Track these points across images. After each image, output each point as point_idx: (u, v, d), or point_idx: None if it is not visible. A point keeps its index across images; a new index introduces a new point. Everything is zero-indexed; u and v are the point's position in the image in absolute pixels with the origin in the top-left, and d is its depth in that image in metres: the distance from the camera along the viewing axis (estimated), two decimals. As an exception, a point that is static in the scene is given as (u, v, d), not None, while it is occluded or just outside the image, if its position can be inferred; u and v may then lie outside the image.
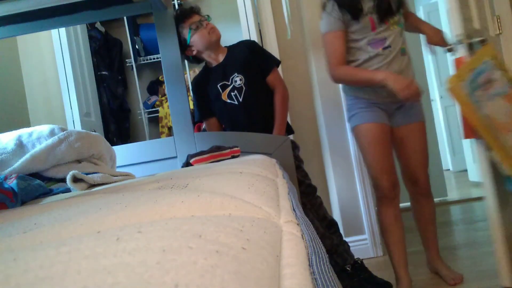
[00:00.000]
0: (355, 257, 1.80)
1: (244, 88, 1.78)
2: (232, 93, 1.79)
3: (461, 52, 1.68)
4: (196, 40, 1.79)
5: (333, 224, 1.83)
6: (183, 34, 1.78)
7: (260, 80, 1.83)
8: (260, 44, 2.48)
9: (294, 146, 1.85)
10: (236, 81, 1.78)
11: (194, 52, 1.82)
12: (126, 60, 3.09)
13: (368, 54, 1.69)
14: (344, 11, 1.70)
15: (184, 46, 1.80)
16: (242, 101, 1.78)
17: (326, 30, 1.78)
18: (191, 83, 1.98)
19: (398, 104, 1.70)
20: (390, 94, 1.63)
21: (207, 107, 1.88)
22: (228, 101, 1.79)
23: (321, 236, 1.67)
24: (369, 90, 1.71)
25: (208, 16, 1.85)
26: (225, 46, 1.88)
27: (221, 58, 1.83)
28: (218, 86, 1.80)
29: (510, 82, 1.62)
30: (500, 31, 2.20)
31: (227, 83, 1.80)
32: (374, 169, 1.72)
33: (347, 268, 1.73)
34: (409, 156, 1.76)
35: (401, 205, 1.79)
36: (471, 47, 1.71)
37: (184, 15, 1.79)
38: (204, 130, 2.17)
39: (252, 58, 1.82)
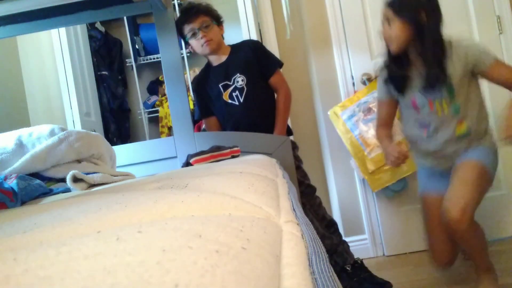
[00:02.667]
0: (355, 257, 1.80)
1: (245, 88, 1.78)
2: (233, 94, 1.79)
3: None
4: (192, 45, 1.80)
5: (333, 224, 1.83)
6: (182, 34, 1.79)
7: (261, 81, 1.82)
8: (261, 44, 2.48)
9: (294, 146, 1.85)
10: (238, 82, 1.78)
11: (193, 51, 1.84)
12: (126, 60, 3.09)
13: (416, 134, 1.69)
14: (389, 84, 1.70)
15: (185, 44, 1.83)
16: (243, 102, 1.77)
17: (377, 96, 1.85)
18: (192, 82, 1.99)
19: (457, 155, 1.62)
20: (447, 160, 1.63)
21: (207, 106, 1.88)
22: (229, 101, 1.79)
23: (321, 236, 1.67)
24: (428, 158, 1.69)
25: (217, 18, 1.81)
26: (229, 45, 1.87)
27: (223, 58, 1.82)
28: (220, 86, 1.80)
29: None
30: (500, 31, 2.20)
31: (229, 83, 1.79)
32: (429, 239, 1.71)
33: (347, 268, 1.73)
34: (452, 186, 1.55)
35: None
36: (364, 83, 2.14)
37: (187, 16, 1.77)
38: (204, 130, 2.17)
39: (255, 59, 1.81)
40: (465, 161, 1.57)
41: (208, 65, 1.87)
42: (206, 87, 1.85)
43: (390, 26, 1.59)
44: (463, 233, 1.48)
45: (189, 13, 1.77)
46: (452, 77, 1.56)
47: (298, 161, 1.84)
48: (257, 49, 1.86)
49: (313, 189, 1.84)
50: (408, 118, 1.71)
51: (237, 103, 1.78)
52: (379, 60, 1.79)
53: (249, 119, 1.78)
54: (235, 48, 1.86)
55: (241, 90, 1.78)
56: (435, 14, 1.57)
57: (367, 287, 1.71)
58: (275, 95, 1.86)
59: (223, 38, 1.85)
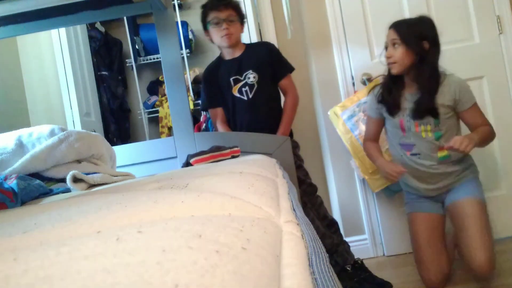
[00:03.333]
0: (355, 257, 1.80)
1: (256, 86, 1.82)
2: (243, 89, 1.82)
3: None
4: (212, 33, 1.82)
5: (334, 223, 1.83)
6: (207, 20, 1.81)
7: (271, 82, 1.88)
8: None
9: (295, 145, 1.86)
10: (249, 78, 1.82)
11: (210, 40, 1.86)
12: (126, 60, 3.09)
13: (399, 153, 1.81)
14: (382, 105, 1.82)
15: (204, 28, 1.85)
16: (252, 98, 1.81)
17: (367, 112, 1.95)
18: (204, 71, 1.99)
19: (447, 189, 1.76)
20: (434, 188, 1.76)
21: (215, 96, 1.89)
22: (237, 95, 1.83)
23: (322, 236, 1.67)
24: (414, 185, 1.81)
25: (242, 17, 1.85)
26: (244, 43, 1.92)
27: (237, 53, 1.86)
28: (231, 79, 1.83)
29: None
30: (500, 31, 2.20)
31: (240, 78, 1.83)
32: (418, 261, 1.78)
33: (347, 268, 1.73)
34: (461, 235, 1.65)
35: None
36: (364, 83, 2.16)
37: (217, 4, 1.79)
38: (204, 130, 2.17)
39: (269, 60, 1.87)
40: (465, 202, 1.68)
41: (220, 57, 1.91)
42: (216, 78, 1.88)
43: (395, 49, 1.70)
44: (490, 275, 1.61)
45: (220, 2, 1.80)
46: (439, 108, 1.68)
47: (299, 160, 1.85)
48: (273, 51, 1.93)
49: (314, 188, 1.85)
50: (394, 137, 1.82)
51: (245, 98, 1.82)
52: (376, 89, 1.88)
53: (254, 115, 1.82)
54: (250, 46, 1.92)
55: (251, 86, 1.82)
56: (436, 47, 1.70)
57: None
58: (282, 99, 1.93)
59: (240, 37, 1.90)
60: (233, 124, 1.87)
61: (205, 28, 1.85)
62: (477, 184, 1.75)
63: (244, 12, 1.89)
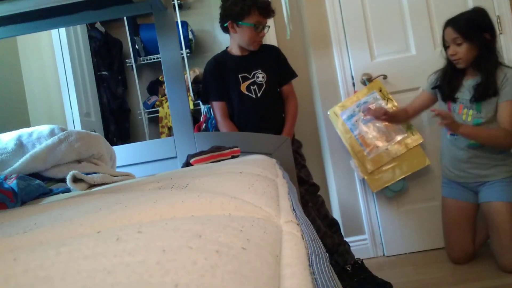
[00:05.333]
0: (356, 257, 1.80)
1: (264, 85, 1.85)
2: (251, 87, 1.84)
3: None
4: (245, 32, 1.80)
5: (334, 223, 1.84)
6: (246, 17, 1.77)
7: (277, 84, 1.92)
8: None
9: (299, 145, 1.88)
10: (258, 77, 1.84)
11: (233, 32, 1.83)
12: (126, 60, 3.09)
13: (444, 132, 1.95)
14: (436, 90, 1.95)
15: (233, 19, 1.80)
16: (260, 97, 1.84)
17: (425, 87, 2.06)
18: (208, 62, 1.94)
19: (479, 180, 1.87)
20: (464, 175, 1.89)
21: (221, 90, 1.87)
22: (246, 92, 1.84)
23: (323, 235, 1.68)
24: (448, 167, 1.96)
25: (269, 27, 1.89)
26: None
27: (246, 51, 1.88)
28: (239, 76, 1.84)
29: (390, 108, 2.13)
30: (500, 31, 2.20)
31: (248, 76, 1.85)
32: (446, 239, 1.99)
33: (348, 268, 1.73)
34: (493, 235, 1.83)
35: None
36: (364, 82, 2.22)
37: (266, 11, 1.81)
38: (204, 130, 2.17)
39: (277, 63, 1.91)
40: (498, 205, 1.80)
41: (227, 52, 1.91)
42: (224, 72, 1.87)
43: (459, 47, 1.78)
44: None
45: (269, 10, 1.83)
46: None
47: (303, 160, 1.86)
48: (281, 55, 1.97)
49: (317, 188, 1.86)
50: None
51: (254, 96, 1.84)
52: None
53: (262, 114, 1.84)
54: (260, 47, 1.92)
55: (260, 85, 1.85)
56: (495, 34, 1.80)
57: None
58: (284, 103, 1.96)
59: None
60: (238, 120, 1.86)
61: (236, 21, 1.80)
62: (511, 186, 1.83)
63: None
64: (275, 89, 1.90)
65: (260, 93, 1.83)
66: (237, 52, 1.88)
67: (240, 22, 1.79)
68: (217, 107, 1.89)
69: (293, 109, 1.92)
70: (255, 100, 1.83)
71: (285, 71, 1.95)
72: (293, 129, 1.90)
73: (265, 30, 1.84)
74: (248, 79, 1.84)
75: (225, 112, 1.87)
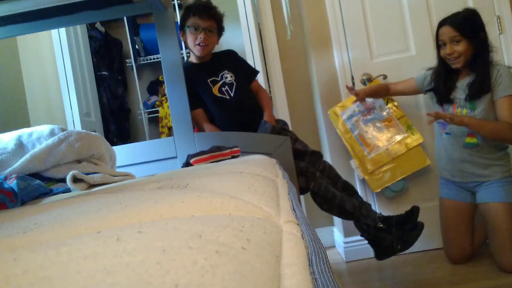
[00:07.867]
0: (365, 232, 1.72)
1: (234, 84, 1.86)
2: (223, 88, 1.84)
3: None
4: (188, 36, 1.84)
5: (348, 186, 1.76)
6: (187, 21, 1.82)
7: (246, 81, 1.94)
8: (261, 44, 2.50)
9: (284, 123, 1.96)
10: (226, 78, 1.85)
11: (183, 40, 1.88)
12: (126, 60, 3.09)
13: (439, 131, 1.98)
14: (431, 93, 1.98)
15: (181, 27, 1.87)
16: (234, 96, 1.84)
17: (415, 76, 2.07)
18: None
19: (475, 180, 1.88)
20: (460, 175, 1.91)
21: (194, 98, 1.84)
22: (219, 95, 1.84)
23: (340, 201, 1.61)
24: (444, 166, 1.97)
25: (220, 30, 1.87)
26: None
27: (207, 58, 1.90)
28: (208, 81, 1.85)
29: (391, 107, 2.16)
30: (500, 31, 2.20)
31: (216, 78, 1.86)
32: (444, 239, 2.01)
33: (381, 226, 1.65)
34: (491, 235, 1.84)
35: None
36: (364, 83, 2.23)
37: (202, 12, 1.79)
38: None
39: (238, 63, 1.95)
40: (496, 206, 1.81)
41: (189, 63, 1.93)
42: (192, 81, 1.85)
43: (457, 45, 1.80)
44: None
45: (205, 10, 1.80)
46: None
47: (293, 134, 1.83)
48: (238, 56, 2.00)
49: (318, 154, 1.77)
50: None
51: (227, 97, 1.84)
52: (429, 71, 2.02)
53: (241, 112, 1.84)
54: (217, 54, 1.96)
55: (230, 85, 1.85)
56: (486, 33, 1.83)
57: (410, 228, 1.63)
58: (256, 96, 1.98)
59: (214, 48, 1.93)
60: (219, 123, 1.85)
61: (183, 28, 1.85)
62: (508, 186, 1.83)
63: (223, 25, 1.90)
64: (246, 86, 1.92)
65: (233, 92, 1.84)
66: (197, 60, 1.89)
67: (185, 28, 1.83)
68: (195, 115, 1.87)
69: (267, 97, 1.96)
70: (230, 101, 1.83)
71: (248, 69, 1.99)
72: (272, 113, 1.92)
73: (212, 34, 1.82)
74: (217, 81, 1.85)
75: (205, 117, 1.87)
